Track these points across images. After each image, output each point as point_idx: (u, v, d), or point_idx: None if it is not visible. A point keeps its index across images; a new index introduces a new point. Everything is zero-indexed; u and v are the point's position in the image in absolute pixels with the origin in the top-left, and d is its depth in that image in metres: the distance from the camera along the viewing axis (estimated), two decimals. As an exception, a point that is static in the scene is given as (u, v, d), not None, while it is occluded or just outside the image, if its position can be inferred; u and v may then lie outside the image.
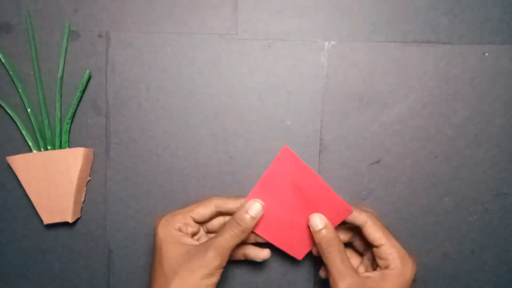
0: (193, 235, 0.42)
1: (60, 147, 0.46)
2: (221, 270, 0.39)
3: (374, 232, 0.40)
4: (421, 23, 0.45)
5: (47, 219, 0.45)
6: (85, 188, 0.47)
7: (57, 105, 0.46)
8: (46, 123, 0.46)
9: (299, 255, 0.43)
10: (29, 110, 0.45)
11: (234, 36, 0.46)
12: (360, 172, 0.46)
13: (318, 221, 0.41)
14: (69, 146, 0.46)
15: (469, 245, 0.46)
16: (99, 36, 0.46)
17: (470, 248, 0.46)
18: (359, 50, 0.45)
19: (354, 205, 0.42)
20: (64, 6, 0.46)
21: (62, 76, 0.46)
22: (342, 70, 0.45)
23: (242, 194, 0.45)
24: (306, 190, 0.41)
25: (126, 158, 0.46)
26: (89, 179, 0.47)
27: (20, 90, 0.45)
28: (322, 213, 0.41)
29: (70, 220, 0.45)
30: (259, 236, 0.43)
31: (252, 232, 0.42)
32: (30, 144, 0.45)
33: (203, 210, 0.41)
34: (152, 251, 0.46)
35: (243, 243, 0.43)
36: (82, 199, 0.47)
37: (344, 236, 0.44)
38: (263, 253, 0.43)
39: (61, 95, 0.46)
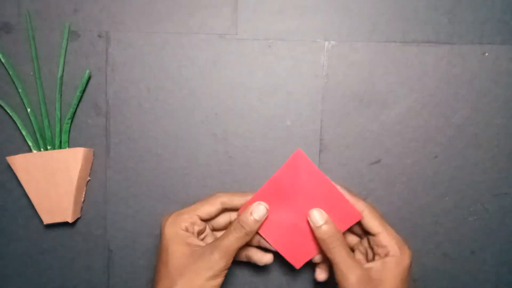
0: (199, 233, 0.42)
1: (60, 147, 0.46)
2: (225, 272, 0.39)
3: (372, 220, 0.41)
4: (421, 23, 0.45)
5: (47, 219, 0.45)
6: (85, 188, 0.47)
7: (57, 105, 0.46)
8: (46, 123, 0.46)
9: (298, 263, 0.43)
10: (29, 110, 0.45)
11: (234, 36, 0.46)
12: (360, 172, 0.46)
13: (319, 217, 0.41)
14: (69, 146, 0.46)
15: (469, 245, 0.46)
16: (99, 36, 0.46)
17: (470, 248, 0.46)
18: (359, 50, 0.45)
19: (350, 193, 0.42)
20: (64, 6, 0.46)
21: (62, 76, 0.46)
22: (342, 70, 0.45)
23: (242, 194, 0.45)
24: (315, 195, 0.41)
25: (126, 158, 0.46)
26: (89, 179, 0.47)
27: (20, 90, 0.45)
28: (330, 218, 0.41)
29: (70, 220, 0.45)
30: (263, 239, 0.43)
31: (257, 233, 0.42)
32: (30, 144, 0.45)
33: (209, 208, 0.42)
34: (156, 250, 0.46)
35: (247, 245, 0.43)
36: (82, 199, 0.47)
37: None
38: (266, 258, 0.43)
39: (61, 95, 0.46)
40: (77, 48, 0.46)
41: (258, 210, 0.41)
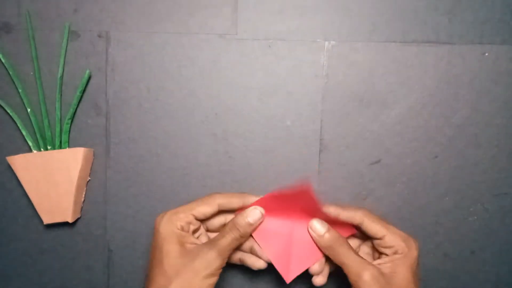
0: (194, 232, 0.42)
1: (60, 147, 0.46)
2: (220, 270, 0.40)
3: (374, 226, 0.41)
4: (421, 23, 0.45)
5: (47, 219, 0.45)
6: (85, 188, 0.47)
7: (57, 105, 0.46)
8: (46, 123, 0.46)
9: (289, 276, 0.42)
10: (29, 110, 0.45)
11: (234, 36, 0.46)
12: (360, 172, 0.46)
13: (320, 226, 0.41)
14: (69, 146, 0.46)
15: (469, 245, 0.46)
16: (99, 36, 0.46)
17: (470, 248, 0.46)
18: (359, 50, 0.45)
19: (346, 208, 0.42)
20: (64, 6, 0.46)
21: (62, 76, 0.46)
22: (342, 70, 0.45)
23: (242, 194, 0.45)
24: (314, 213, 0.42)
25: (126, 158, 0.46)
26: (89, 179, 0.47)
27: (20, 90, 0.45)
28: None
29: (70, 220, 0.45)
30: (256, 247, 0.43)
31: (254, 240, 0.42)
32: (30, 144, 0.45)
33: (206, 209, 0.42)
34: (150, 248, 0.46)
35: (241, 249, 0.43)
36: (82, 199, 0.47)
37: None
38: (259, 263, 0.43)
39: (61, 95, 0.46)
40: (77, 48, 0.46)
41: (253, 214, 0.41)
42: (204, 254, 0.39)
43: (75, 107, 0.46)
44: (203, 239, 0.42)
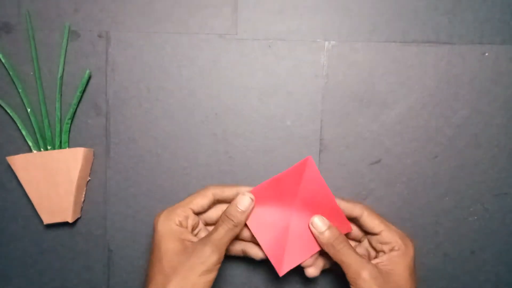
0: (193, 228, 0.42)
1: (60, 147, 0.46)
2: (218, 266, 0.39)
3: (372, 220, 0.42)
4: (421, 23, 0.45)
5: (47, 219, 0.45)
6: (85, 188, 0.47)
7: (57, 105, 0.46)
8: (46, 123, 0.46)
9: (283, 269, 0.42)
10: (29, 110, 0.45)
11: (234, 36, 0.46)
12: (360, 172, 0.46)
13: (321, 223, 0.41)
14: (69, 146, 0.46)
15: (469, 245, 0.46)
16: (99, 36, 0.46)
17: (470, 248, 0.46)
18: (359, 50, 0.45)
19: (347, 200, 0.43)
20: (64, 6, 0.46)
21: (62, 76, 0.46)
22: (342, 70, 0.45)
23: (242, 194, 0.45)
24: (312, 203, 0.42)
25: (126, 158, 0.46)
26: (89, 179, 0.47)
27: (20, 90, 0.45)
28: None
29: (70, 220, 0.45)
30: (253, 242, 0.43)
31: (250, 232, 0.42)
32: (30, 144, 0.45)
33: (202, 201, 0.42)
34: (150, 247, 0.46)
35: (243, 240, 0.43)
36: (82, 199, 0.47)
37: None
38: (262, 253, 0.43)
39: (61, 95, 0.46)
40: (77, 48, 0.46)
41: (243, 201, 0.41)
42: (199, 250, 0.39)
43: (75, 107, 0.46)
44: (203, 234, 0.43)
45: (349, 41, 0.45)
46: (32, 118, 0.45)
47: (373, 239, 0.42)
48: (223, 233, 0.40)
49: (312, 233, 0.42)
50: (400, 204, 0.46)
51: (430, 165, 0.46)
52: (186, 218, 0.41)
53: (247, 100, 0.46)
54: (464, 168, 0.45)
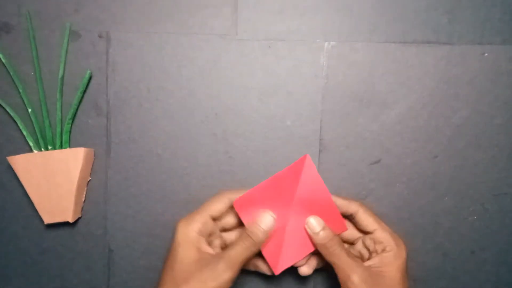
0: (210, 234, 0.42)
1: (61, 147, 0.46)
2: (230, 284, 0.39)
3: (367, 218, 0.42)
4: (421, 23, 0.45)
5: (47, 219, 0.45)
6: (85, 188, 0.47)
7: (58, 105, 0.46)
8: (46, 123, 0.46)
9: (278, 268, 0.42)
10: (29, 110, 0.46)
11: (234, 36, 0.46)
12: (360, 172, 0.46)
13: (316, 224, 0.42)
14: (69, 146, 0.46)
15: (469, 245, 0.46)
16: (100, 36, 0.46)
17: (470, 248, 0.46)
18: (359, 50, 0.45)
19: (343, 197, 0.43)
20: (65, 6, 0.46)
21: (62, 76, 0.46)
22: (342, 70, 0.45)
23: (242, 194, 0.45)
24: (309, 201, 0.42)
25: (126, 158, 0.46)
26: (90, 179, 0.47)
27: (20, 90, 0.46)
28: None
29: (70, 220, 0.45)
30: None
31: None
32: (31, 144, 0.46)
33: (219, 205, 0.42)
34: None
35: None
36: (83, 199, 0.47)
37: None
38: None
39: (61, 95, 0.46)
40: (77, 48, 0.46)
41: (265, 220, 0.41)
42: (213, 265, 0.38)
43: (76, 107, 0.46)
44: (217, 242, 0.42)
45: (349, 41, 0.45)
46: (33, 118, 0.46)
47: (367, 238, 0.42)
48: (240, 251, 0.39)
49: (307, 233, 0.42)
50: (400, 204, 0.46)
51: (430, 165, 0.46)
52: (205, 224, 0.41)
53: (247, 100, 0.46)
54: (464, 168, 0.45)
